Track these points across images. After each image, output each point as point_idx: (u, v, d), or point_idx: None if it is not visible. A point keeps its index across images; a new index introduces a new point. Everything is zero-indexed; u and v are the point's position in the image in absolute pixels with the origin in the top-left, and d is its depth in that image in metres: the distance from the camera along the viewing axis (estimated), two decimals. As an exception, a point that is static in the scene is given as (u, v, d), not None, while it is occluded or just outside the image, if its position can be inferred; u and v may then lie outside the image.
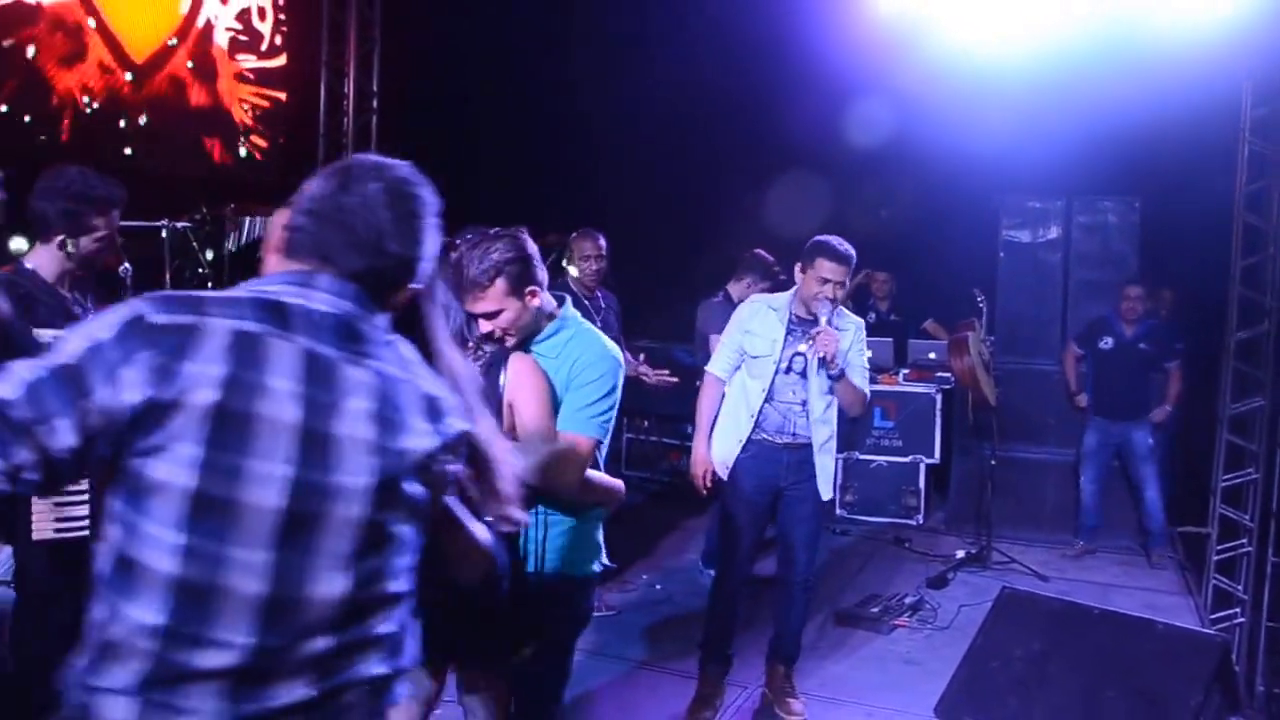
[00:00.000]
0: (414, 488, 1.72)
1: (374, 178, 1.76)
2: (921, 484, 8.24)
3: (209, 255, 6.44)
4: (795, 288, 4.71)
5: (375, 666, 1.73)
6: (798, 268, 4.66)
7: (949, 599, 6.40)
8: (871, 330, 8.86)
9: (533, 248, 3.09)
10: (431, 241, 1.82)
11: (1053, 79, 7.37)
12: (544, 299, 3.12)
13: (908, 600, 6.26)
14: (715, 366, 4.86)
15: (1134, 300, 7.41)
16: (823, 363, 4.50)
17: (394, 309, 1.81)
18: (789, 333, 4.64)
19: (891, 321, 9.22)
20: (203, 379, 1.55)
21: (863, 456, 8.30)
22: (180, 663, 1.55)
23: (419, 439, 1.71)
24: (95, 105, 7.14)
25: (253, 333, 1.60)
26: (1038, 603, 4.43)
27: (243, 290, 1.70)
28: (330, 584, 1.64)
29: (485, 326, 3.02)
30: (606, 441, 3.17)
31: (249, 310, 1.63)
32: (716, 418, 4.87)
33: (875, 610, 6.07)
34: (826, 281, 4.49)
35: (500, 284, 2.98)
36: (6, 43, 6.54)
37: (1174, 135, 7.72)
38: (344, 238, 1.73)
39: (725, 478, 4.75)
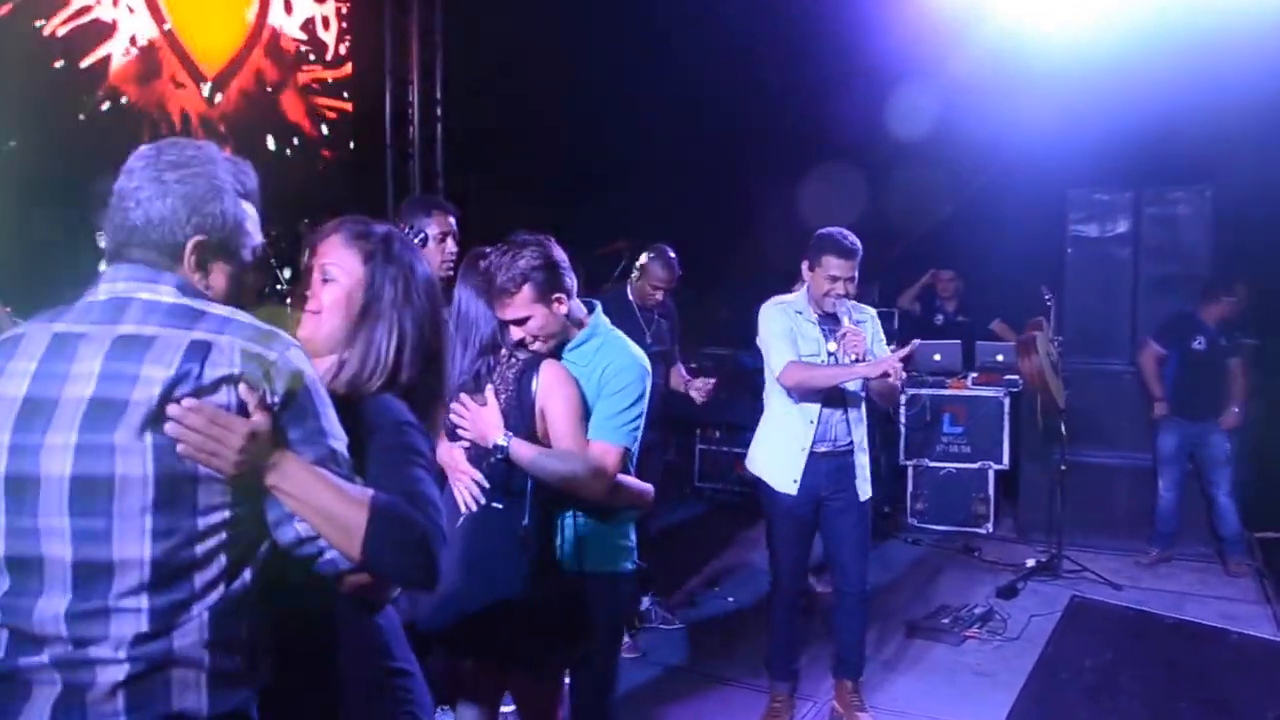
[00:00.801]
0: (153, 437, 1.72)
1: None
2: (990, 491, 8.09)
3: (287, 273, 6.47)
4: (805, 285, 4.64)
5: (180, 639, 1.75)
6: (805, 265, 4.58)
7: (1019, 609, 6.24)
8: (939, 333, 8.87)
9: (560, 255, 3.20)
10: (190, 184, 1.88)
11: (1116, 63, 7.13)
12: (573, 306, 3.23)
13: (978, 611, 6.14)
14: (792, 354, 4.53)
15: (1226, 306, 7.14)
16: (855, 363, 4.40)
17: (198, 269, 1.89)
18: (822, 333, 4.57)
19: (959, 323, 9.07)
20: None
21: (932, 464, 8.19)
22: None
23: (149, 387, 1.72)
24: (170, 120, 7.27)
25: (19, 333, 1.84)
26: (1108, 612, 4.38)
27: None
28: (53, 545, 1.72)
29: (516, 333, 3.16)
30: (635, 449, 3.25)
31: (57, 313, 1.85)
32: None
33: (945, 621, 5.98)
34: (836, 279, 4.43)
35: (527, 290, 3.10)
36: (84, 63, 6.69)
37: (1246, 119, 7.39)
38: (114, 240, 1.90)
39: (795, 494, 4.60)
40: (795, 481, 4.58)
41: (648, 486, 3.33)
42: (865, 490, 4.66)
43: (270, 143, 8.16)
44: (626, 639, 5.60)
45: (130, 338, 1.76)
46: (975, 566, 7.35)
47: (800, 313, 4.60)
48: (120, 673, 1.70)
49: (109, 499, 1.70)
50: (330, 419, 1.89)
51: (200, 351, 1.75)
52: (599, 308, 3.38)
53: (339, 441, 1.89)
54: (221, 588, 1.78)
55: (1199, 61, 6.81)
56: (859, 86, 8.67)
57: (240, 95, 7.85)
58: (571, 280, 3.22)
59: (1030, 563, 7.12)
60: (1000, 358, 8.37)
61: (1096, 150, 7.98)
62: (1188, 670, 3.92)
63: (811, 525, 4.71)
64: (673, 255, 5.83)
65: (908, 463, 8.27)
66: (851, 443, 4.64)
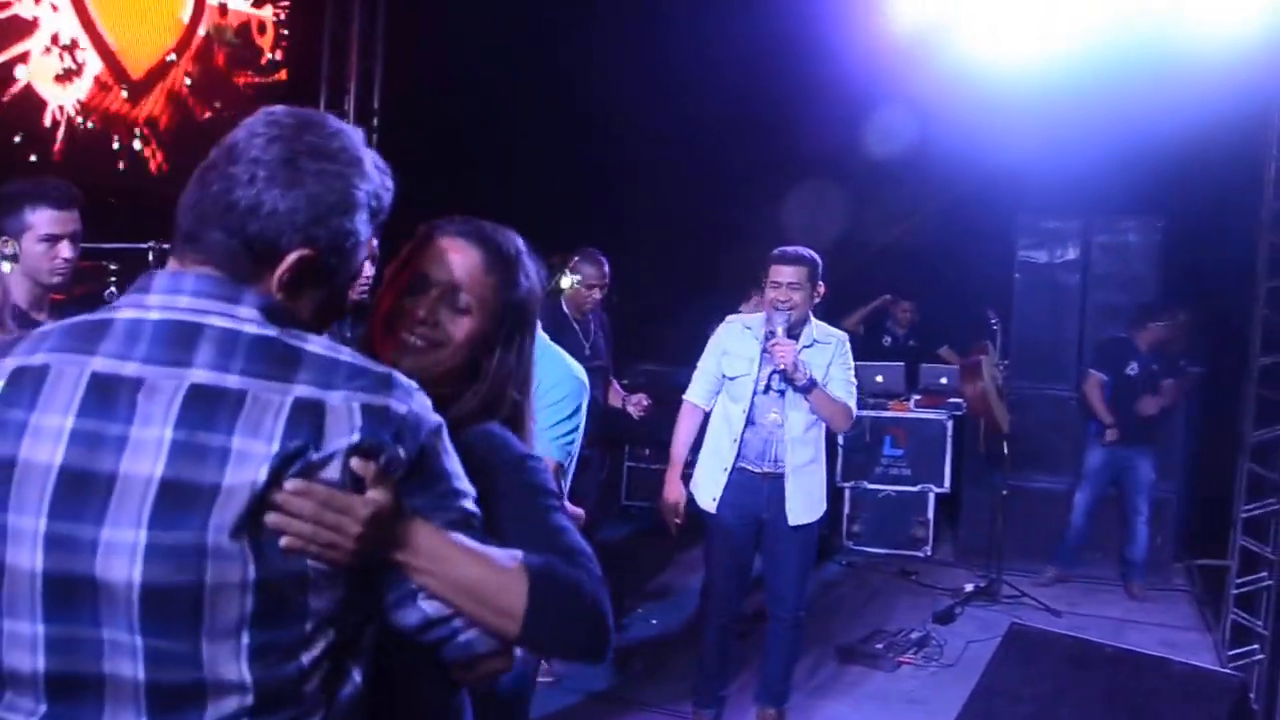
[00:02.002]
0: (239, 537, 1.29)
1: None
2: (930, 514, 8.03)
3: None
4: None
5: None
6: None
7: (956, 635, 6.20)
8: (885, 355, 8.78)
9: None
10: (325, 183, 1.43)
11: (1071, 94, 7.19)
12: None
13: (913, 636, 6.07)
14: (693, 394, 4.72)
15: (1155, 332, 7.21)
16: (786, 377, 4.37)
17: (286, 289, 1.43)
18: (764, 350, 4.47)
19: (909, 347, 9.04)
20: None
21: (870, 486, 8.07)
22: None
23: (246, 468, 1.29)
24: (90, 122, 7.03)
25: (37, 366, 1.36)
26: (1048, 640, 4.22)
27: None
28: (119, 664, 1.30)
29: None
30: (571, 465, 3.06)
31: (60, 336, 1.39)
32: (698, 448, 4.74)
33: (879, 646, 5.88)
34: (778, 285, 4.39)
35: None
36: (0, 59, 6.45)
37: (1198, 153, 7.48)
38: (196, 212, 1.43)
39: (714, 511, 4.56)
40: (714, 500, 4.55)
41: (578, 510, 3.15)
42: (799, 515, 4.53)
43: (195, 147, 7.94)
44: (542, 663, 5.47)
45: (210, 392, 1.31)
46: (912, 590, 7.28)
47: (750, 329, 4.57)
48: None
49: (196, 615, 1.28)
50: (461, 475, 1.49)
51: (311, 418, 1.32)
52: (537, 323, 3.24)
53: (471, 500, 1.50)
54: (333, 697, 1.39)
55: (1153, 94, 6.81)
56: (810, 111, 8.61)
57: (168, 98, 7.63)
58: None
59: (969, 587, 7.05)
60: (944, 381, 8.34)
61: (1048, 177, 8.03)
62: (1128, 700, 3.78)
63: (747, 546, 4.63)
64: (600, 255, 5.69)
65: (845, 484, 8.13)
66: (785, 465, 4.51)
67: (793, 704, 4.84)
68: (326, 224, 1.42)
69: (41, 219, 3.22)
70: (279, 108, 1.49)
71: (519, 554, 1.51)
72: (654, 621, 6.31)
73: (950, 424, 8.03)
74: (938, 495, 8.04)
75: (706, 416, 4.73)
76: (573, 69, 8.89)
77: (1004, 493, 7.06)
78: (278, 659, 1.32)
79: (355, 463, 1.33)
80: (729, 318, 4.86)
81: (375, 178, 1.49)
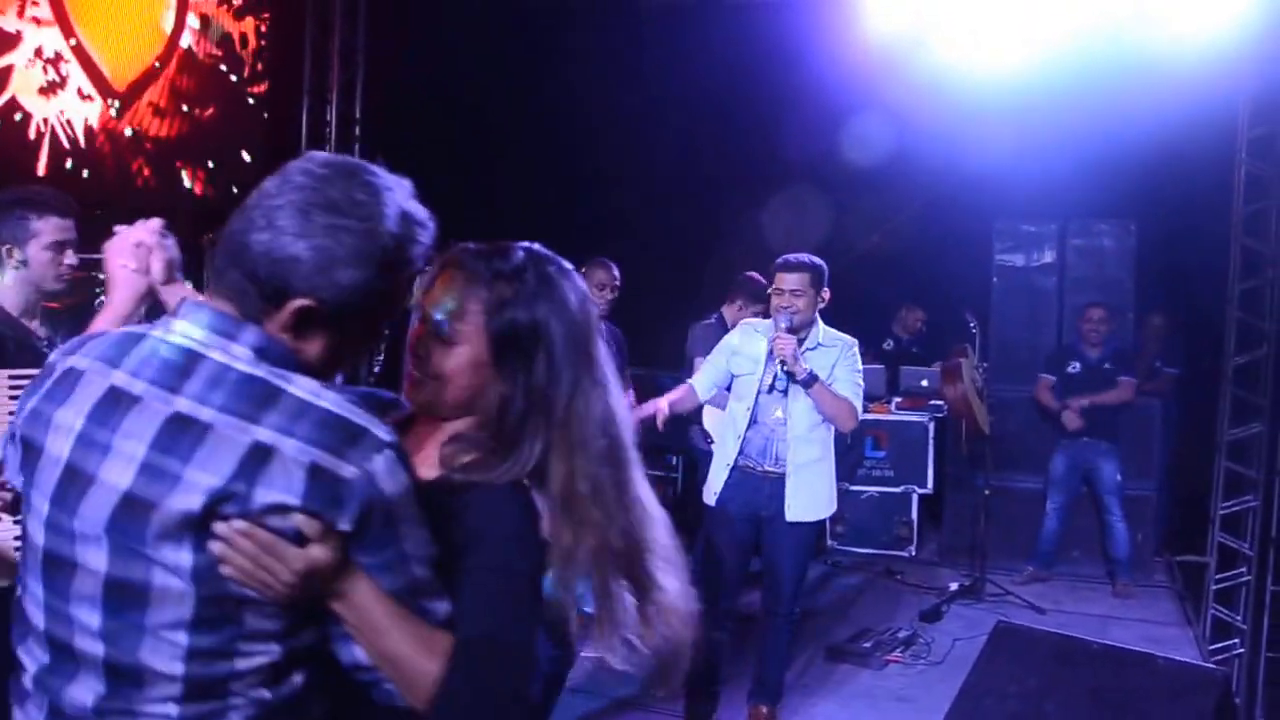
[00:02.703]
0: (180, 554, 1.39)
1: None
2: (914, 515, 8.09)
3: (188, 286, 6.28)
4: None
5: None
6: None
7: (943, 633, 6.26)
8: (885, 358, 8.89)
9: None
10: (334, 236, 1.47)
11: (1046, 100, 7.30)
12: None
13: (900, 634, 6.12)
14: (696, 380, 4.83)
15: (1095, 323, 7.34)
16: (787, 370, 4.47)
17: (290, 330, 1.49)
18: (771, 352, 4.57)
19: (910, 353, 9.21)
20: (22, 411, 1.56)
21: (854, 487, 8.11)
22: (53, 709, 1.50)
23: (188, 496, 1.39)
24: (74, 134, 7.02)
25: (81, 369, 1.52)
26: (1034, 637, 4.27)
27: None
28: (85, 638, 1.46)
29: None
30: None
31: (105, 345, 1.54)
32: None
33: (867, 645, 5.92)
34: (781, 292, 4.54)
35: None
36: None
37: (1171, 157, 7.61)
38: (223, 247, 1.52)
39: (715, 505, 4.67)
40: (715, 494, 4.65)
41: None
42: (797, 511, 4.58)
43: (178, 158, 7.93)
44: None
45: (185, 421, 1.41)
46: (898, 590, 7.33)
47: (759, 332, 4.68)
48: None
49: (143, 609, 1.41)
50: (418, 540, 1.51)
51: (257, 463, 1.39)
52: None
53: (424, 566, 1.52)
54: (266, 693, 1.47)
55: (1127, 100, 6.94)
56: (789, 119, 8.69)
57: (150, 109, 7.62)
58: None
59: (953, 586, 7.12)
60: (925, 383, 8.40)
61: (1024, 182, 8.14)
62: (1114, 697, 3.83)
63: (746, 544, 4.71)
64: (610, 262, 5.73)
65: (829, 486, 8.17)
66: (786, 464, 4.58)
67: (783, 703, 4.86)
68: (330, 275, 1.46)
69: (49, 226, 3.26)
70: (321, 155, 1.55)
71: (449, 640, 1.53)
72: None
73: (932, 425, 8.09)
74: (921, 496, 8.10)
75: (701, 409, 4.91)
76: (554, 78, 8.93)
77: (986, 493, 7.15)
78: (210, 660, 1.43)
79: (298, 518, 1.40)
80: (744, 321, 5.05)
81: (397, 230, 1.51)
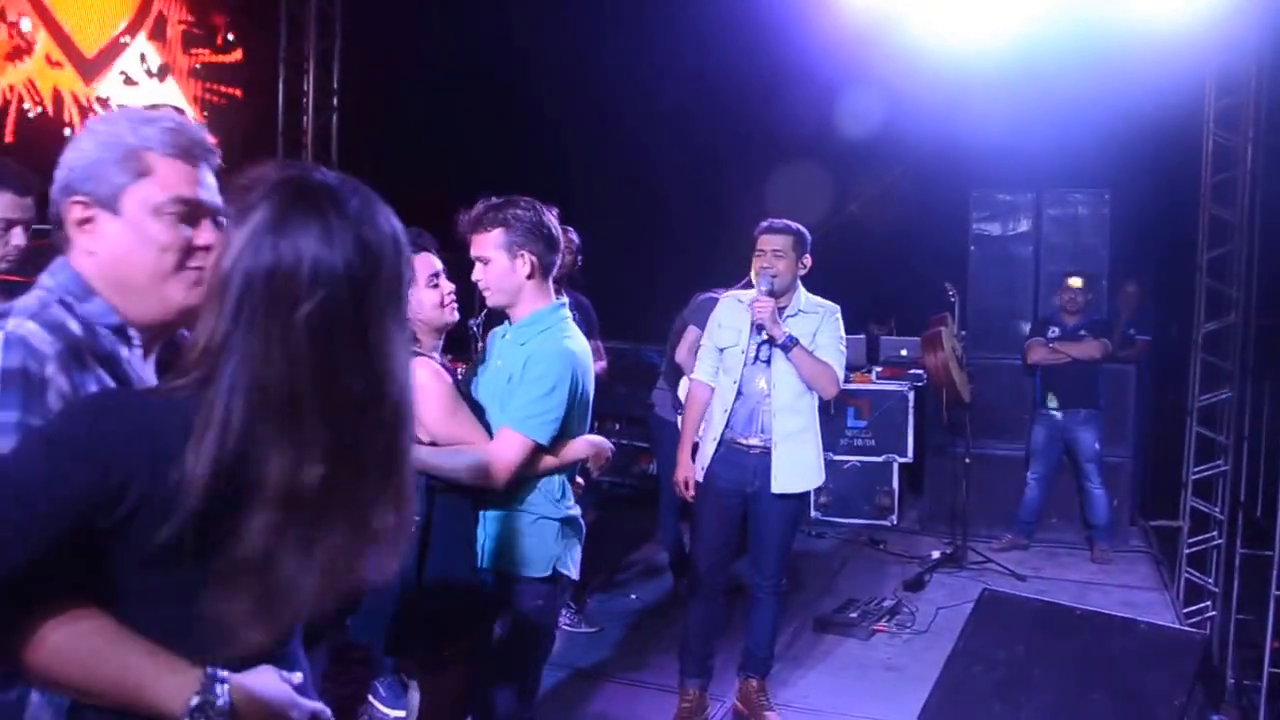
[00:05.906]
0: None
1: None
2: (895, 484, 8.17)
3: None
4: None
5: None
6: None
7: (927, 601, 6.34)
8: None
9: (550, 224, 3.19)
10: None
11: (1021, 72, 7.33)
12: (540, 281, 3.20)
13: (886, 604, 6.18)
14: (699, 373, 4.77)
15: (1074, 293, 7.41)
16: (766, 333, 4.47)
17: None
18: (754, 322, 4.56)
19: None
20: None
21: (836, 457, 8.15)
22: None
23: None
24: (41, 103, 6.93)
25: None
26: (1019, 604, 4.35)
27: None
28: None
29: (475, 274, 3.15)
30: (548, 442, 3.12)
31: None
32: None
33: (853, 615, 5.98)
34: (762, 253, 4.53)
35: (499, 233, 3.11)
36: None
37: (1143, 127, 7.70)
38: None
39: (703, 480, 4.64)
40: (703, 469, 4.62)
41: (578, 446, 3.23)
42: (783, 483, 4.53)
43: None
44: (582, 623, 5.71)
45: None
46: (881, 559, 7.41)
47: (742, 302, 4.64)
48: None
49: None
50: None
51: None
52: (568, 303, 3.34)
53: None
54: None
55: (1100, 71, 7.02)
56: (771, 93, 8.69)
57: (120, 77, 7.53)
58: (549, 254, 3.20)
59: (935, 555, 7.21)
60: (904, 352, 8.45)
61: (1000, 152, 8.20)
62: (1099, 661, 3.93)
63: (734, 518, 4.67)
64: (565, 225, 5.62)
65: (813, 456, 8.23)
66: (772, 436, 4.57)
67: (773, 674, 4.88)
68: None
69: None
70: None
71: None
72: (633, 597, 6.37)
73: (912, 394, 8.15)
74: (901, 465, 8.18)
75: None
76: (539, 49, 8.87)
77: (966, 460, 7.24)
78: None
79: None
80: (727, 293, 4.97)
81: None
